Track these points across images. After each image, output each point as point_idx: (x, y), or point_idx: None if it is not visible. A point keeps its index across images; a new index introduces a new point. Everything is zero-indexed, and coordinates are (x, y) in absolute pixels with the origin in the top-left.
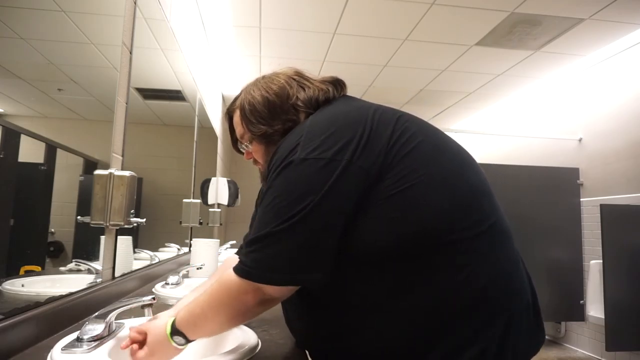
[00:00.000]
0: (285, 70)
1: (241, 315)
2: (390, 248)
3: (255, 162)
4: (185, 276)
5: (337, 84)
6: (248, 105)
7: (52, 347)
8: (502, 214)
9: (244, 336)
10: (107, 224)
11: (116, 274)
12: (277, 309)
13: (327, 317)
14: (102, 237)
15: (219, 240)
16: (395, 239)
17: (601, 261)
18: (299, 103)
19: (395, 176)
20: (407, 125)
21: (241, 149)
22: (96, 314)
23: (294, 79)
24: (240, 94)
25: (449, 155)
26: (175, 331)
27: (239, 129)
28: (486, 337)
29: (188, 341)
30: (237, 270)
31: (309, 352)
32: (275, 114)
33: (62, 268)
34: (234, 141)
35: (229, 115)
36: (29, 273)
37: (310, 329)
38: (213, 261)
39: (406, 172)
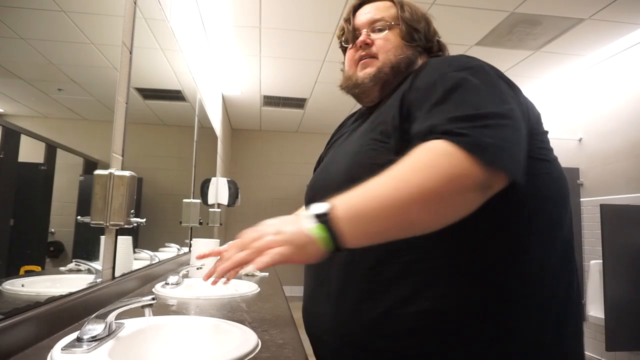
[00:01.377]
0: None
1: (447, 191)
2: (510, 208)
3: (366, 46)
4: (185, 276)
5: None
6: (409, 5)
7: (52, 347)
8: None
9: (244, 336)
10: (107, 224)
11: (116, 274)
12: (279, 308)
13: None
14: (102, 237)
15: (219, 240)
16: (521, 200)
17: (601, 261)
18: (436, 42)
19: (540, 143)
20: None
21: (358, 34)
22: (96, 314)
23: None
24: None
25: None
26: (323, 216)
27: (384, 9)
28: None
29: (340, 244)
30: (464, 142)
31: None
32: (427, 28)
33: (62, 268)
34: (348, 20)
35: None
36: (29, 273)
37: (364, 297)
38: (213, 261)
39: (545, 145)
